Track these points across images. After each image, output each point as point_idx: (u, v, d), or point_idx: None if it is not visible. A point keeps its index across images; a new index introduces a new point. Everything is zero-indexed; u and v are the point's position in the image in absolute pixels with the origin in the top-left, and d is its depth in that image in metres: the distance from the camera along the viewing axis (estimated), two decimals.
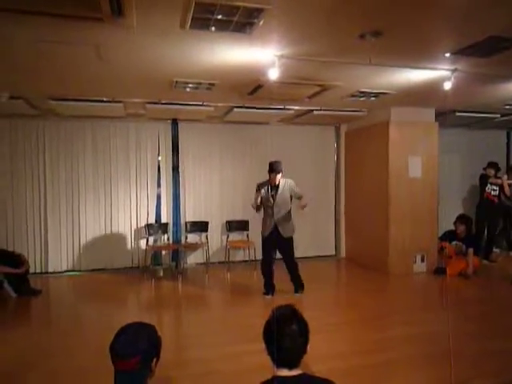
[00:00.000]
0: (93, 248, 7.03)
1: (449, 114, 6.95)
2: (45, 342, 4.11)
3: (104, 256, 7.07)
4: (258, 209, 5.46)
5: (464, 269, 6.41)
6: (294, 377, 1.68)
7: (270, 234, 5.39)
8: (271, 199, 5.34)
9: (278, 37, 3.41)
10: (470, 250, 6.47)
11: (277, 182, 5.33)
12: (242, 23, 3.07)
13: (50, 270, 6.86)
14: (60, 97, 5.52)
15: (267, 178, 5.39)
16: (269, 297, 5.40)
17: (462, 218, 6.82)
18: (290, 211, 5.44)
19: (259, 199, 5.33)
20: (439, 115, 6.94)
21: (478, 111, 6.95)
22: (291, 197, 5.46)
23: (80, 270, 6.96)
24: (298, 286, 5.56)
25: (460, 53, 3.82)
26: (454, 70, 4.35)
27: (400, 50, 3.85)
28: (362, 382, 3.17)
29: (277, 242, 5.43)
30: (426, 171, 6.76)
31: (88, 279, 6.68)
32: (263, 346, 1.74)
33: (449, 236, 6.80)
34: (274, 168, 5.28)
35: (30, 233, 6.79)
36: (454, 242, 6.71)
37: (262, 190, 5.34)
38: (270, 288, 5.47)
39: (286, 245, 5.46)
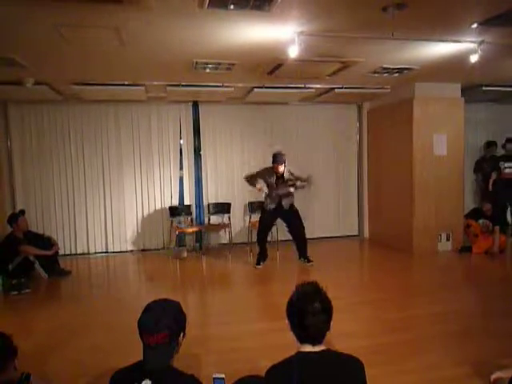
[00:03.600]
0: (118, 230, 7.21)
1: (475, 88, 6.73)
2: (75, 319, 4.26)
3: (129, 238, 7.25)
4: (251, 184, 5.92)
5: (490, 247, 6.30)
6: (317, 352, 1.70)
7: (274, 209, 5.92)
8: (275, 185, 5.81)
9: (298, 13, 3.35)
10: (496, 228, 6.34)
11: (281, 172, 5.75)
12: (260, 0, 3.02)
13: (79, 251, 7.08)
14: (82, 81, 5.59)
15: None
16: (260, 266, 6.00)
17: (488, 196, 6.66)
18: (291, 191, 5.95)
19: (262, 184, 5.78)
20: (465, 90, 6.73)
21: (506, 85, 6.69)
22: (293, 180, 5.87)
23: (107, 252, 7.16)
24: (306, 253, 6.04)
25: (487, 23, 3.67)
26: (480, 42, 4.19)
27: (424, 23, 3.73)
28: (386, 360, 3.18)
29: (283, 217, 6.06)
30: (451, 148, 6.60)
31: (115, 260, 6.88)
32: (287, 323, 1.77)
33: (475, 214, 6.67)
34: (277, 159, 5.67)
35: (58, 216, 7.00)
36: (480, 220, 6.58)
37: (271, 178, 5.78)
38: (263, 258, 6.06)
39: (293, 214, 5.99)
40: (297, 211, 6.05)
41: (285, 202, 5.89)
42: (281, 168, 5.70)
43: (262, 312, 4.50)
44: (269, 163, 5.83)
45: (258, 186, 5.79)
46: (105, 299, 5.01)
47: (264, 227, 6.10)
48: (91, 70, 5.10)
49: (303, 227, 6.08)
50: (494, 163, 7.40)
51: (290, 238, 6.27)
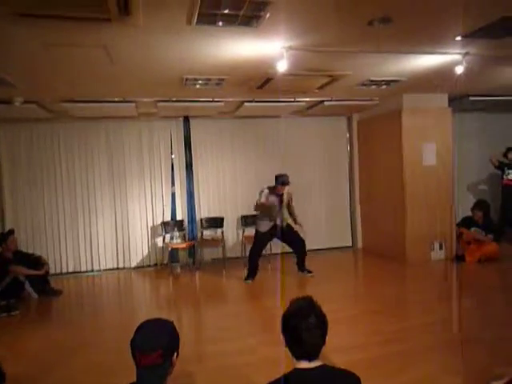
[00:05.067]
0: (110, 247, 7.14)
1: (462, 98, 6.83)
2: (67, 340, 4.17)
3: (121, 255, 7.17)
4: (259, 208, 5.88)
5: (484, 255, 6.33)
6: (313, 368, 1.68)
7: (269, 230, 5.94)
8: (277, 205, 5.86)
9: (285, 29, 3.38)
10: (489, 236, 6.38)
11: (282, 193, 5.88)
12: (248, 17, 3.05)
13: (70, 270, 6.99)
14: (72, 99, 5.58)
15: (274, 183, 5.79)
16: (250, 282, 5.99)
17: (479, 204, 6.72)
18: None
19: (265, 200, 5.77)
20: (452, 100, 6.82)
21: (492, 95, 6.80)
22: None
23: (99, 270, 7.07)
24: (304, 265, 6.15)
25: (471, 36, 3.74)
26: (465, 54, 4.27)
27: (410, 36, 3.79)
28: (383, 373, 3.16)
29: (280, 235, 6.02)
30: (440, 158, 6.66)
31: (106, 278, 6.79)
32: (281, 338, 1.75)
33: (467, 222, 6.72)
34: (283, 181, 5.74)
35: (48, 234, 6.92)
36: (473, 228, 6.62)
37: (273, 197, 5.81)
38: (253, 275, 6.05)
39: (290, 231, 6.03)
40: (292, 228, 6.08)
41: (279, 220, 5.92)
42: (286, 189, 5.80)
43: (257, 327, 4.45)
44: (261, 177, 5.85)
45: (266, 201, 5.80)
46: (96, 319, 4.92)
47: (258, 249, 6.11)
48: (81, 88, 5.09)
49: (303, 241, 6.11)
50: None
51: (282, 251, 6.24)
